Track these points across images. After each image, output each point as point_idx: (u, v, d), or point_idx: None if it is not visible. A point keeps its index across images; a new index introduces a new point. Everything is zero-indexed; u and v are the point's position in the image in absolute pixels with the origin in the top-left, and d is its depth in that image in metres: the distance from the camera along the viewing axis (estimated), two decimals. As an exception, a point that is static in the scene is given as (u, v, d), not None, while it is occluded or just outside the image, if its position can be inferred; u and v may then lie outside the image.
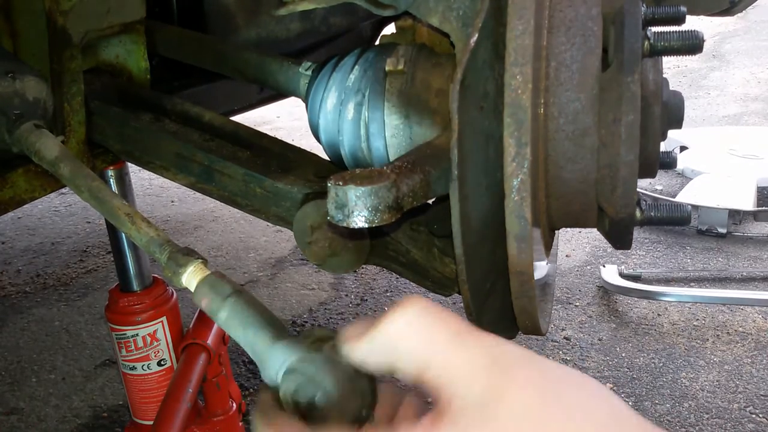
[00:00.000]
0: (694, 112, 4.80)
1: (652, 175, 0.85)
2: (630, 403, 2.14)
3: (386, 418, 0.55)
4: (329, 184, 0.63)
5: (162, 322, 1.48)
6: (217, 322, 0.62)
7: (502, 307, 0.82)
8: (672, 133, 1.03)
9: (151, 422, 1.40)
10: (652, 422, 0.49)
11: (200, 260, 0.67)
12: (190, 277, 0.66)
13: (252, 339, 0.59)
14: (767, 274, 2.81)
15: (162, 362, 1.50)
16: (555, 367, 0.47)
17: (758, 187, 3.37)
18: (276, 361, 0.57)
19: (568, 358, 2.37)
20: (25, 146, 0.92)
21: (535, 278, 0.75)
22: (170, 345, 1.49)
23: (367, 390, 0.56)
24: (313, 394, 0.54)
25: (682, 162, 3.63)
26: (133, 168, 1.32)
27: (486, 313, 0.82)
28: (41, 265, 3.15)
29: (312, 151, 1.04)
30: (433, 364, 0.48)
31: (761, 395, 2.16)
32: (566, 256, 3.04)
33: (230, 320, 0.61)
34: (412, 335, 0.49)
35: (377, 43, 1.04)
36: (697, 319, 2.55)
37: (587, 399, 0.45)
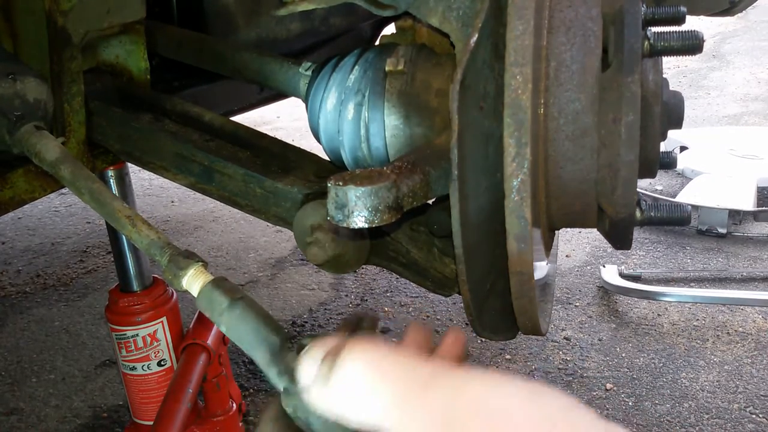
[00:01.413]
0: (694, 112, 4.80)
1: (652, 175, 0.85)
2: (630, 404, 2.14)
3: None
4: (329, 185, 0.63)
5: (162, 322, 1.48)
6: (219, 327, 0.63)
7: (502, 307, 0.82)
8: (672, 133, 1.03)
9: (151, 422, 1.40)
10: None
11: (201, 263, 0.67)
12: (191, 280, 0.66)
13: (255, 347, 0.60)
14: (767, 274, 2.81)
15: (162, 362, 1.50)
16: (517, 407, 0.45)
17: (758, 187, 3.37)
18: (273, 380, 0.58)
19: (568, 358, 2.37)
20: (26, 148, 0.92)
21: (535, 278, 0.74)
22: (170, 345, 1.49)
23: None
24: (308, 417, 0.54)
25: (682, 162, 3.63)
26: (133, 168, 1.32)
27: (486, 314, 0.82)
28: (41, 266, 3.15)
29: (312, 152, 1.04)
30: (385, 428, 0.47)
31: (761, 395, 2.16)
32: (566, 256, 3.04)
33: (233, 327, 0.61)
34: (363, 393, 0.49)
35: (377, 43, 1.04)
36: (697, 320, 2.55)
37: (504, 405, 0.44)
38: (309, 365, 0.53)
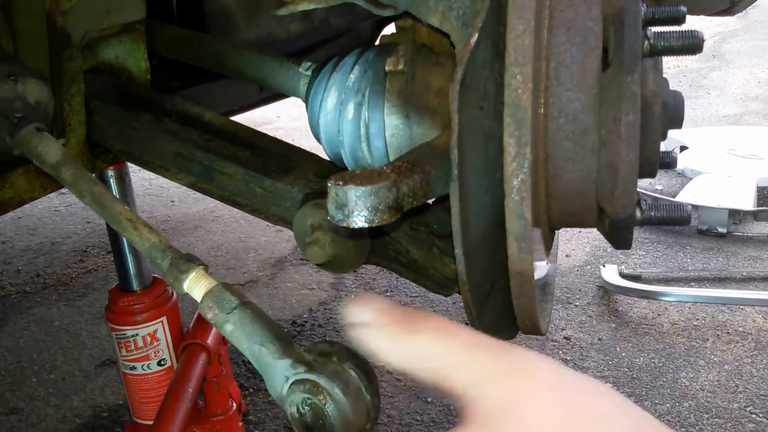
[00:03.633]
0: (694, 112, 4.80)
1: (653, 175, 0.85)
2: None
3: None
4: (329, 184, 0.63)
5: (162, 321, 1.48)
6: (223, 334, 0.63)
7: (502, 307, 0.82)
8: (672, 133, 1.03)
9: (151, 422, 1.40)
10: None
11: (202, 267, 0.67)
12: (192, 283, 0.66)
13: (258, 352, 0.60)
14: (767, 274, 2.81)
15: (162, 362, 1.50)
16: (573, 375, 0.47)
17: (758, 187, 3.37)
18: (282, 373, 0.57)
19: (568, 358, 2.37)
20: (27, 149, 0.92)
21: (535, 278, 0.74)
22: (170, 345, 1.49)
23: (372, 404, 0.56)
24: (322, 405, 0.54)
25: (682, 162, 3.63)
26: (133, 168, 1.32)
27: (486, 313, 0.82)
28: (41, 265, 3.15)
29: (312, 151, 1.04)
30: (456, 370, 0.48)
31: (761, 395, 2.16)
32: (566, 256, 3.04)
33: (236, 333, 0.61)
34: (434, 345, 0.50)
35: (377, 43, 1.04)
36: (697, 319, 2.55)
37: (611, 408, 0.45)
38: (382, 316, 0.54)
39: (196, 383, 1.42)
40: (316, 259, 0.89)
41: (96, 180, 0.85)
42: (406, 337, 0.51)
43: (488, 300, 0.81)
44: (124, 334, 1.46)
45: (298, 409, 0.55)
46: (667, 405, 2.13)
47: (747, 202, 3.18)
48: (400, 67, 0.88)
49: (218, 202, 1.02)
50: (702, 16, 2.11)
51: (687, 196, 3.26)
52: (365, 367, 0.59)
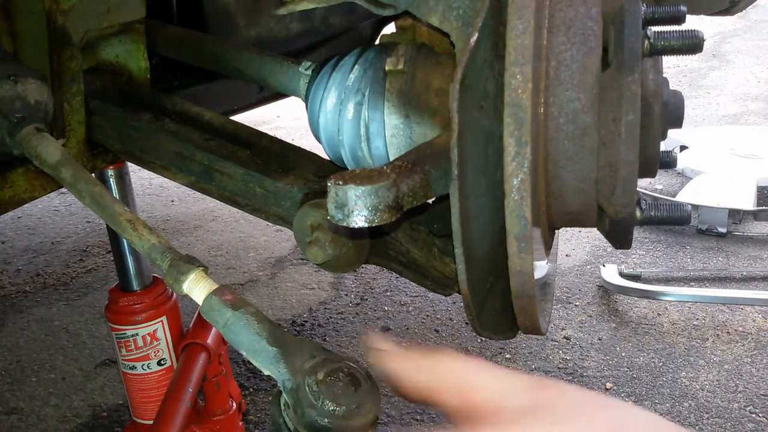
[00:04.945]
0: (694, 111, 4.80)
1: (652, 174, 0.85)
2: (630, 403, 2.14)
3: None
4: (329, 184, 0.63)
5: (162, 321, 1.48)
6: (225, 336, 0.63)
7: (502, 307, 0.82)
8: (672, 133, 1.03)
9: (151, 422, 1.40)
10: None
11: (201, 268, 0.67)
12: (192, 285, 0.66)
13: (258, 353, 0.60)
14: (767, 274, 2.81)
15: (162, 362, 1.50)
16: (591, 394, 0.48)
17: (758, 187, 3.37)
18: (283, 375, 0.57)
19: (568, 358, 2.37)
20: (27, 150, 0.92)
21: (535, 278, 0.74)
22: (170, 344, 1.49)
23: (374, 402, 0.56)
24: (326, 402, 0.54)
25: (682, 161, 3.63)
26: (132, 167, 1.32)
27: (486, 313, 0.82)
28: (41, 265, 3.15)
29: (312, 151, 1.04)
30: (479, 387, 0.49)
31: (761, 395, 2.16)
32: (566, 255, 3.04)
33: (236, 335, 0.61)
34: (456, 367, 0.52)
35: (377, 42, 1.04)
36: (697, 319, 2.55)
37: (632, 418, 0.45)
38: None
39: (196, 383, 1.42)
40: (316, 259, 0.89)
41: (96, 180, 0.85)
42: (426, 361, 0.52)
43: (488, 300, 0.81)
44: (124, 333, 1.46)
45: (303, 407, 0.55)
46: (667, 405, 2.13)
47: (747, 201, 3.17)
48: (400, 66, 0.88)
49: (218, 201, 1.02)
50: (702, 16, 2.11)
51: (687, 195, 3.26)
52: (363, 367, 0.59)
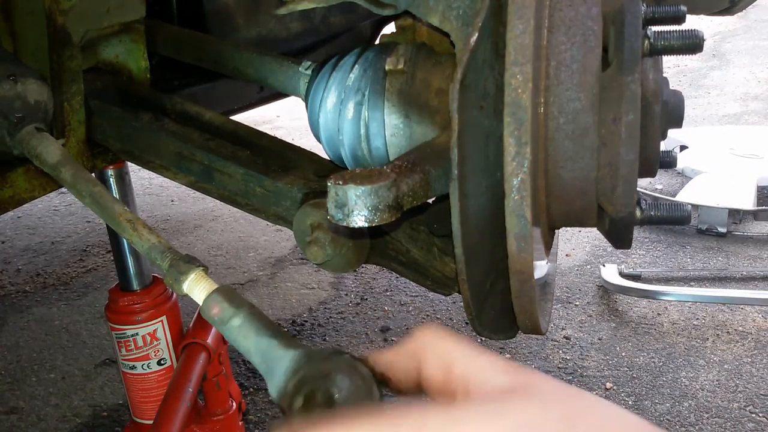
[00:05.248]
0: (694, 111, 4.80)
1: (653, 174, 0.85)
2: (630, 403, 2.14)
3: None
4: (329, 184, 0.63)
5: (162, 321, 1.48)
6: (226, 337, 0.63)
7: (502, 307, 0.82)
8: (672, 133, 1.03)
9: (151, 421, 1.40)
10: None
11: (201, 268, 0.67)
12: (192, 285, 0.66)
13: (258, 353, 0.60)
14: (767, 274, 2.81)
15: (162, 361, 1.50)
16: (566, 384, 0.49)
17: (758, 187, 3.37)
18: (287, 365, 0.57)
19: (568, 358, 2.37)
20: (27, 150, 0.92)
21: (535, 277, 0.74)
22: (170, 344, 1.49)
23: (377, 393, 0.56)
24: (329, 389, 0.54)
25: (682, 161, 3.63)
26: (132, 167, 1.32)
27: (486, 313, 0.82)
28: (41, 265, 3.15)
29: (312, 151, 1.04)
30: (459, 363, 0.50)
31: (761, 394, 2.16)
32: (566, 255, 3.04)
33: (236, 335, 0.61)
34: (438, 343, 0.52)
35: (377, 42, 1.04)
36: (697, 319, 2.55)
37: (610, 416, 0.46)
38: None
39: (196, 383, 1.42)
40: (316, 259, 0.89)
41: (95, 180, 0.85)
42: (408, 345, 0.53)
43: (488, 299, 0.81)
44: (124, 333, 1.46)
45: (306, 390, 0.55)
46: (667, 404, 2.13)
47: (747, 201, 3.17)
48: (400, 66, 0.88)
49: (218, 201, 1.02)
50: (702, 16, 2.11)
51: (687, 195, 3.26)
52: (362, 365, 0.59)
